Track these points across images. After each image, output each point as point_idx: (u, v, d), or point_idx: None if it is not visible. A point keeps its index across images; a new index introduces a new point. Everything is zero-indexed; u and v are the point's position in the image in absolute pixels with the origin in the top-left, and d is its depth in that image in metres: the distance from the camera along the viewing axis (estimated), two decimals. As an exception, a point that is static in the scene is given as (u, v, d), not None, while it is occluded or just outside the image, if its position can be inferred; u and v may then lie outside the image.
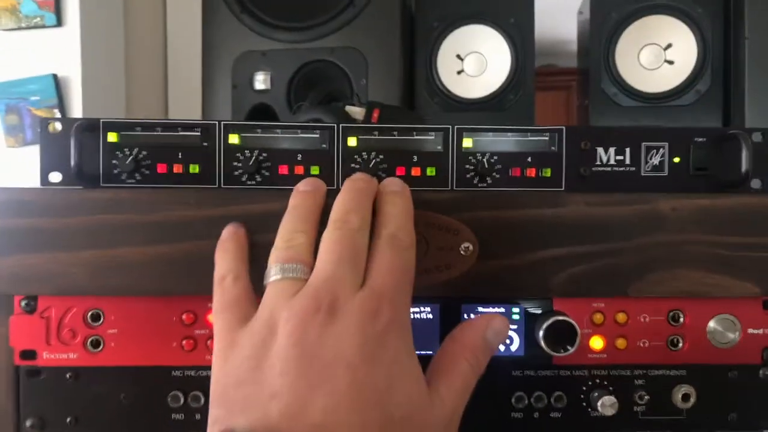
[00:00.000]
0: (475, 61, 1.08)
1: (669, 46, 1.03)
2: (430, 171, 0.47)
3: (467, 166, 0.47)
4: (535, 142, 0.47)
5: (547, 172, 0.47)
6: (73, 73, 0.95)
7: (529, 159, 0.47)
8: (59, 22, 0.94)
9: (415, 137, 0.47)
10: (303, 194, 0.39)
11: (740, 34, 0.99)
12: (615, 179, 0.48)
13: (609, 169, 0.48)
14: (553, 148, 0.48)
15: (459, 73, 1.09)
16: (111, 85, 1.05)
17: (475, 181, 0.47)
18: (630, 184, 0.48)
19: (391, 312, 0.34)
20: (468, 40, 1.08)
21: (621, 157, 0.48)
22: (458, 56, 1.09)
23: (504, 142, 0.47)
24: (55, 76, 0.93)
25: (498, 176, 0.47)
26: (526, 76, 1.07)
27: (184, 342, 0.43)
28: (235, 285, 0.38)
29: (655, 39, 1.04)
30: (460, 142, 0.47)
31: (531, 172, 0.47)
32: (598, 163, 0.48)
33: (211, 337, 0.43)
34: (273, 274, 0.36)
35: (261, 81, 1.08)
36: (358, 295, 0.34)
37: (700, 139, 0.48)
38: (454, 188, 0.47)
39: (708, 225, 0.44)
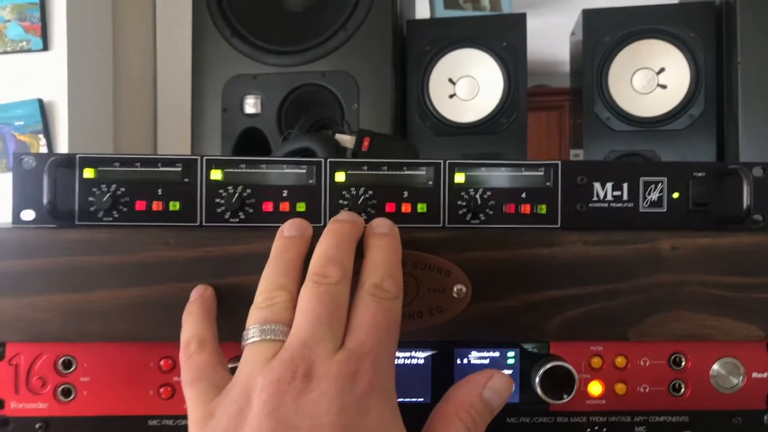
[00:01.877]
0: (467, 84, 1.07)
1: (662, 70, 1.02)
2: (421, 207, 0.45)
3: (459, 203, 0.45)
4: (529, 178, 0.46)
5: (543, 209, 0.46)
6: (59, 97, 0.92)
7: (524, 195, 0.46)
8: (45, 47, 0.92)
9: (406, 172, 0.45)
10: (286, 241, 0.37)
11: (733, 58, 0.98)
12: (612, 215, 0.46)
13: (606, 204, 0.46)
14: (548, 183, 0.46)
15: (451, 96, 1.08)
16: (98, 110, 1.03)
17: (467, 218, 0.45)
18: (628, 221, 0.46)
19: (372, 374, 0.32)
20: (460, 63, 1.07)
21: (618, 193, 0.46)
22: (450, 80, 1.08)
23: (497, 177, 0.46)
24: (40, 101, 0.91)
25: (491, 213, 0.45)
26: (519, 99, 1.06)
27: (161, 389, 0.41)
28: (201, 352, 0.35)
29: (647, 63, 1.03)
30: (452, 177, 0.45)
31: (526, 209, 0.45)
32: (595, 198, 0.46)
33: (190, 384, 0.41)
34: (251, 336, 0.33)
35: (251, 105, 1.06)
36: (335, 358, 0.32)
37: (700, 174, 0.46)
38: (446, 225, 0.45)
39: (709, 265, 0.42)
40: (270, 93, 1.07)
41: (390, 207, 0.45)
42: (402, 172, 0.45)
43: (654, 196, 0.46)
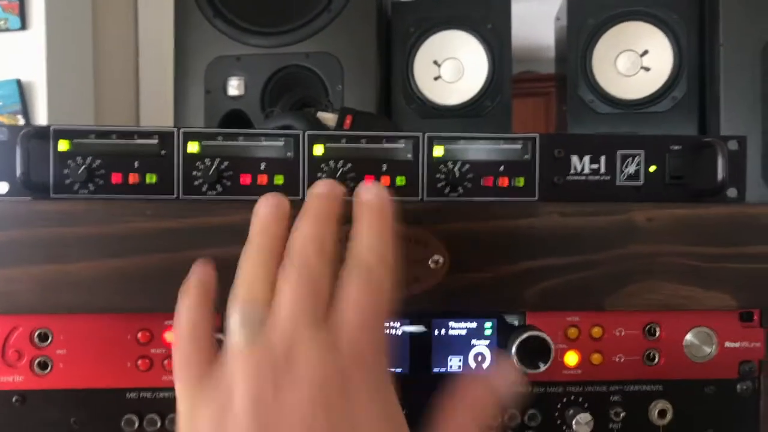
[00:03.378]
0: (452, 67, 1.07)
1: (645, 52, 1.02)
2: (400, 180, 0.45)
3: (438, 176, 0.45)
4: (507, 151, 0.46)
5: (520, 182, 0.46)
6: (38, 77, 0.91)
7: (502, 168, 0.46)
8: (24, 26, 0.91)
9: (385, 145, 0.45)
10: (262, 223, 0.34)
11: (715, 40, 0.98)
12: (589, 188, 0.46)
13: (583, 177, 0.46)
14: (526, 156, 0.46)
15: (436, 79, 1.08)
16: (78, 91, 1.02)
17: (446, 191, 0.46)
18: (605, 193, 0.46)
19: (360, 368, 0.30)
20: (445, 45, 1.07)
21: (596, 166, 0.46)
22: (435, 62, 1.07)
23: (476, 150, 0.46)
24: (18, 81, 0.90)
25: (470, 186, 0.46)
26: (503, 83, 1.06)
27: (139, 362, 0.41)
28: (192, 337, 0.33)
29: (631, 45, 1.03)
30: (430, 150, 0.46)
31: (503, 182, 0.46)
32: (573, 171, 0.46)
33: (168, 356, 0.41)
34: (233, 331, 0.31)
35: (234, 86, 1.06)
36: (317, 352, 0.30)
37: (676, 147, 0.47)
38: (425, 198, 0.45)
39: (684, 235, 0.42)
40: (253, 74, 1.06)
41: (369, 179, 0.45)
42: (381, 145, 0.45)
43: (631, 169, 0.47)
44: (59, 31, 0.98)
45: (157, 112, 1.11)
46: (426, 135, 0.45)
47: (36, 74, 0.93)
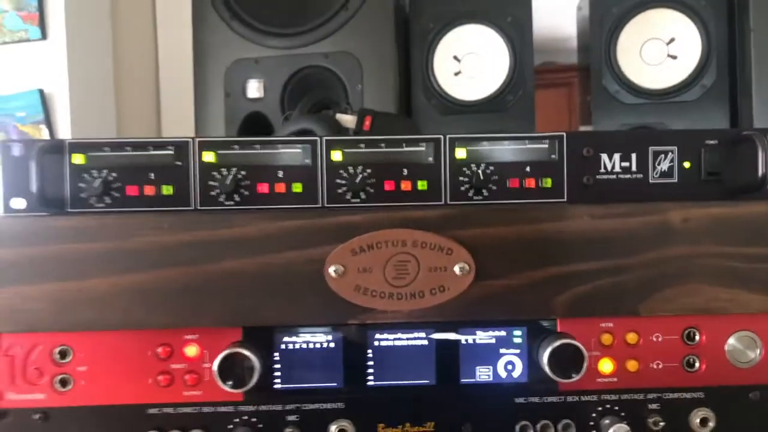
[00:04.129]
0: (473, 61, 1.05)
1: (672, 40, 0.98)
2: (422, 185, 0.43)
3: (461, 179, 0.44)
4: (533, 151, 0.44)
5: (548, 182, 0.44)
6: (59, 87, 0.91)
7: (528, 168, 0.44)
8: (44, 36, 0.91)
9: (405, 149, 0.44)
10: None
11: (745, 25, 0.94)
12: (621, 187, 0.44)
13: (614, 176, 0.44)
14: (553, 156, 0.44)
15: (456, 74, 1.05)
16: (100, 99, 1.02)
17: (470, 194, 0.44)
18: (637, 193, 0.44)
19: None
20: (464, 40, 1.04)
21: (627, 164, 0.44)
22: (455, 57, 1.05)
23: (500, 151, 0.44)
24: (41, 92, 0.90)
25: (494, 188, 0.44)
26: (525, 76, 1.03)
27: (160, 377, 0.40)
28: None
29: (657, 34, 0.99)
30: (453, 152, 0.44)
31: (530, 183, 0.44)
32: (602, 170, 0.44)
33: (189, 371, 0.40)
34: None
35: (254, 89, 1.05)
36: None
37: (712, 142, 0.44)
38: (448, 202, 0.44)
39: (722, 236, 0.40)
40: (273, 76, 1.05)
41: (389, 185, 0.43)
42: (401, 149, 0.44)
43: (664, 166, 0.44)
44: (79, 39, 0.98)
45: (178, 118, 1.11)
46: (448, 137, 0.44)
47: (58, 84, 0.92)
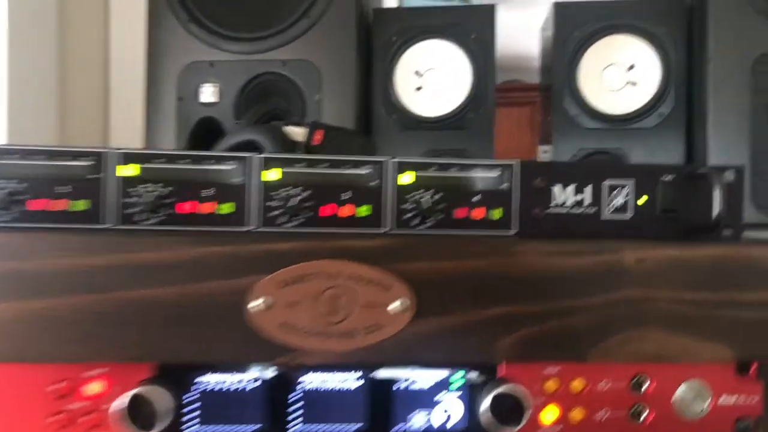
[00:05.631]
0: (435, 77, 1.02)
1: (632, 66, 0.97)
2: (364, 210, 0.40)
3: (406, 206, 0.40)
4: (483, 179, 0.41)
5: (497, 213, 0.41)
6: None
7: (478, 198, 0.41)
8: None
9: (347, 171, 0.40)
10: None
11: (704, 55, 0.94)
12: (573, 221, 0.41)
13: (566, 210, 0.41)
14: (504, 185, 0.41)
15: (418, 89, 1.03)
16: (42, 99, 0.95)
17: (414, 223, 0.40)
18: (590, 228, 0.41)
19: None
20: (427, 55, 1.02)
21: (580, 197, 0.41)
22: (417, 72, 1.02)
23: (449, 178, 0.40)
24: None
25: (441, 217, 0.40)
26: (487, 94, 1.00)
27: (55, 418, 0.35)
28: None
29: (618, 59, 0.98)
30: (399, 176, 0.40)
31: (478, 213, 0.40)
32: (555, 203, 0.41)
33: (89, 411, 0.35)
34: None
35: (208, 93, 1.00)
36: None
37: (668, 177, 0.42)
38: (390, 230, 0.40)
39: (676, 279, 0.37)
40: (228, 81, 1.00)
41: (326, 210, 0.39)
42: (343, 171, 0.40)
43: (619, 200, 0.41)
44: (22, 36, 0.92)
45: (127, 122, 1.05)
46: (393, 160, 0.40)
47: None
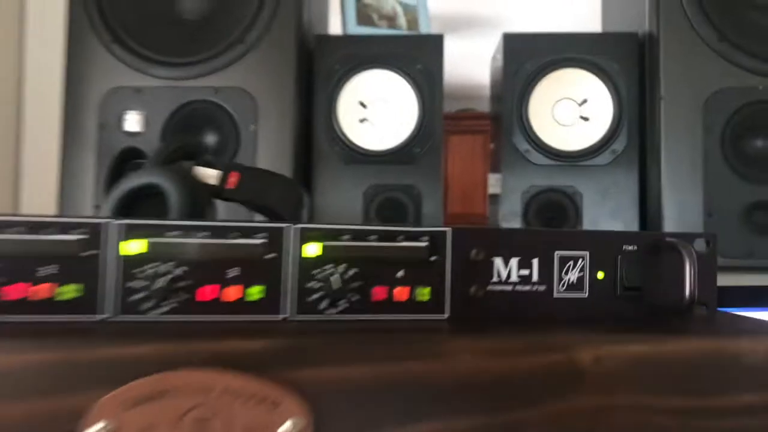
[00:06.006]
0: (380, 109, 0.94)
1: (584, 101, 0.91)
2: (255, 292, 0.30)
3: (311, 284, 0.31)
4: (409, 250, 0.32)
5: (425, 294, 0.32)
6: None
7: (401, 274, 0.32)
8: None
9: (235, 240, 0.30)
10: None
11: (656, 92, 0.88)
12: (518, 302, 0.33)
13: (510, 287, 0.33)
14: (434, 257, 0.32)
15: (362, 121, 0.94)
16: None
17: (321, 307, 0.31)
18: (538, 310, 0.33)
19: None
20: (372, 86, 0.94)
21: (526, 272, 0.33)
22: (361, 103, 0.94)
23: (366, 248, 0.31)
24: None
25: (356, 298, 0.31)
26: (434, 127, 0.93)
27: None
28: None
29: (570, 94, 0.92)
30: (303, 247, 0.31)
31: (402, 294, 0.31)
32: (496, 279, 0.32)
33: None
34: None
35: (133, 121, 0.89)
36: None
37: (630, 248, 0.34)
38: (291, 317, 0.31)
39: (644, 383, 0.29)
40: (155, 109, 0.90)
41: (206, 293, 0.30)
42: (230, 240, 0.30)
43: (573, 276, 0.33)
44: None
45: (42, 147, 0.94)
46: (296, 227, 0.31)
47: None
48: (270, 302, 0.30)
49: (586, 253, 0.33)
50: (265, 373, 0.26)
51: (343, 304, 0.31)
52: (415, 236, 0.31)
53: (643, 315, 0.33)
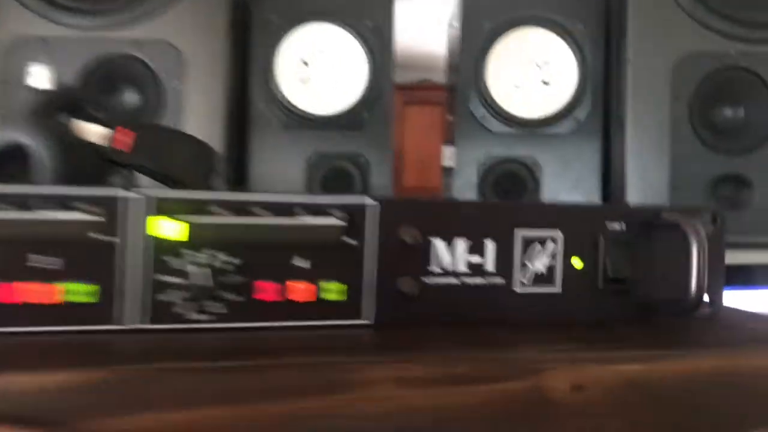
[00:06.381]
0: (324, 68, 0.82)
1: (546, 63, 0.82)
2: (78, 292, 0.20)
3: (168, 278, 0.21)
4: (312, 230, 0.22)
5: (336, 291, 0.22)
6: None
7: (302, 263, 0.22)
8: None
9: (49, 215, 0.20)
10: None
11: (623, 56, 0.80)
12: (466, 303, 0.23)
13: (455, 281, 0.23)
14: (350, 240, 0.22)
15: (304, 81, 0.83)
16: None
17: (187, 312, 0.21)
18: (494, 312, 0.23)
19: None
20: (316, 42, 0.82)
21: (478, 259, 0.23)
22: (303, 61, 0.82)
23: (250, 227, 0.21)
24: None
25: (238, 299, 0.21)
26: (384, 90, 0.82)
27: None
28: None
29: (530, 55, 0.83)
30: (151, 223, 0.21)
31: (302, 292, 0.21)
32: (436, 269, 0.23)
33: None
34: None
35: (39, 76, 0.75)
36: None
37: (616, 226, 0.24)
38: (137, 327, 0.20)
39: (635, 414, 0.20)
40: (65, 62, 0.77)
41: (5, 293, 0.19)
42: (43, 217, 0.20)
43: (540, 264, 0.24)
44: None
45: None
46: (140, 197, 0.20)
47: None
48: (103, 307, 0.20)
49: (558, 234, 0.23)
50: (54, 426, 0.15)
51: (216, 308, 0.21)
52: (322, 210, 0.21)
53: (632, 317, 0.24)
